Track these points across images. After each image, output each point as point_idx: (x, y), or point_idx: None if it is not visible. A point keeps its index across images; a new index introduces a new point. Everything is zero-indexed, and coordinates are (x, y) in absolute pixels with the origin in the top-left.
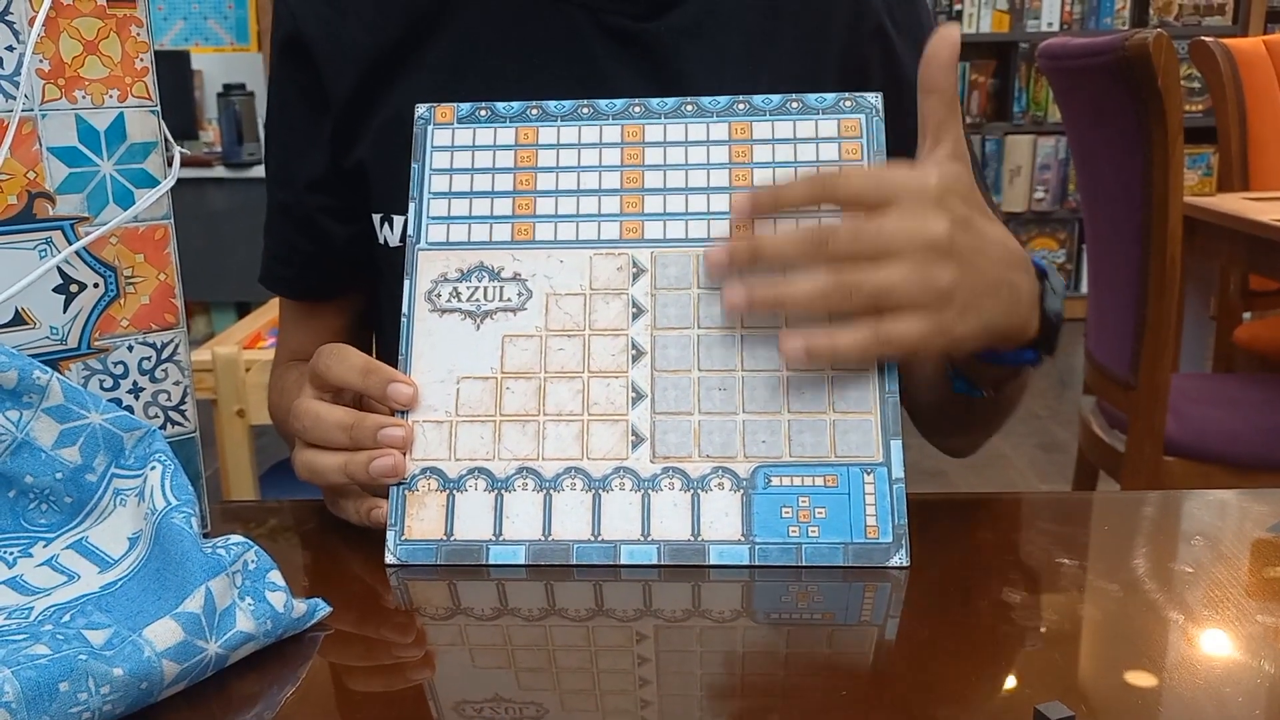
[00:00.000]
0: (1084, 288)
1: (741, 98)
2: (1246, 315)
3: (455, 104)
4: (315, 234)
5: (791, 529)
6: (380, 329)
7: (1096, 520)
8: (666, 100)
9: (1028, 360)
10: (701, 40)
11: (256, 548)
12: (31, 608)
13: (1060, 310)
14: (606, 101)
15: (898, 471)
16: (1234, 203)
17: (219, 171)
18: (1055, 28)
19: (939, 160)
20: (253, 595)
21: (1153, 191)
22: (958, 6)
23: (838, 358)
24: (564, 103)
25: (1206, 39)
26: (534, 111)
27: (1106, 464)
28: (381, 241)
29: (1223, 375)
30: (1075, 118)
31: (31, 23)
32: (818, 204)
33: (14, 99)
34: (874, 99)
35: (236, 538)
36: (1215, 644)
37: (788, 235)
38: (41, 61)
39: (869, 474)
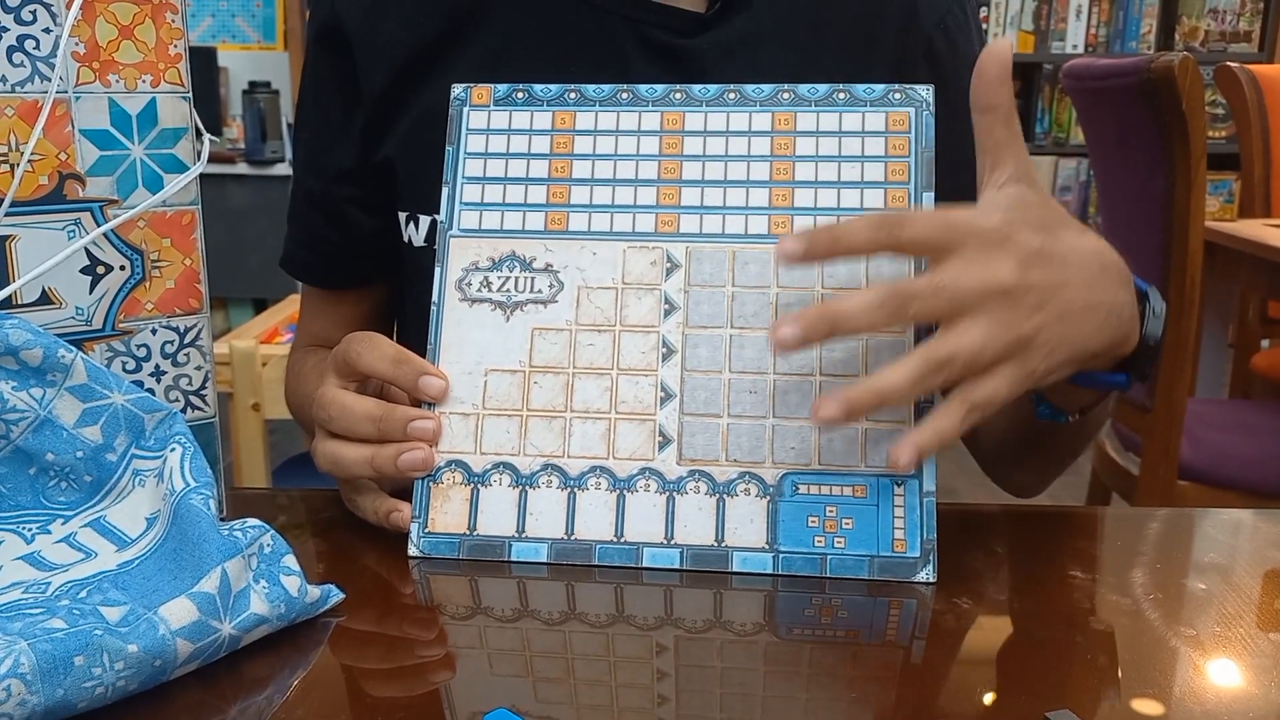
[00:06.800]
0: None
1: (786, 86)
2: (1265, 343)
3: (492, 85)
4: (342, 224)
5: (817, 539)
6: (401, 325)
7: (1117, 536)
8: (709, 87)
9: (1118, 384)
10: (742, 57)
11: (273, 531)
12: (49, 583)
13: (1159, 336)
14: (647, 87)
15: (929, 485)
16: (1255, 228)
17: (241, 168)
18: (1080, 49)
19: (1001, 185)
20: (267, 578)
21: (1174, 214)
22: (983, 25)
23: (943, 442)
24: (603, 87)
25: (1232, 64)
26: (572, 95)
27: (1120, 486)
28: (406, 240)
29: (1239, 401)
30: (1098, 139)
31: (69, 6)
32: (879, 251)
33: (49, 81)
34: (925, 91)
35: (253, 521)
36: (1229, 661)
37: (864, 295)
38: (77, 45)
39: (899, 486)
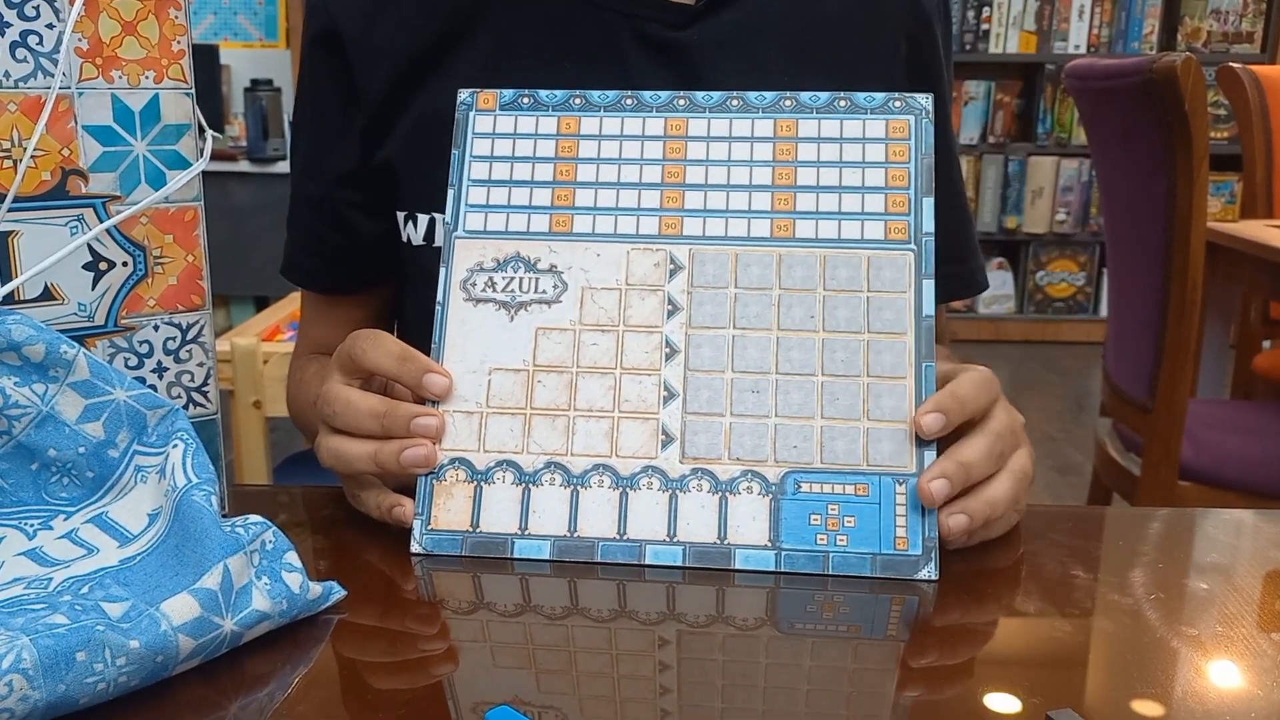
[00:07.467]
0: (1103, 311)
1: (788, 94)
2: (1266, 344)
3: (498, 90)
4: (344, 228)
5: (819, 537)
6: (402, 324)
7: (1119, 535)
8: (711, 94)
9: None
10: (737, 50)
11: (275, 528)
12: (50, 578)
13: None
14: (651, 93)
15: None
16: (1257, 229)
17: (243, 166)
18: (1082, 50)
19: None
20: (269, 575)
21: (1176, 215)
22: (985, 25)
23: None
24: (608, 93)
25: (1234, 65)
26: (577, 101)
27: (1121, 487)
28: (405, 239)
29: (1240, 402)
30: (1100, 139)
31: (72, 2)
32: (985, 410)
33: (52, 76)
34: (924, 100)
35: (255, 518)
36: (1231, 661)
37: (980, 450)
38: (80, 40)
39: (901, 484)
